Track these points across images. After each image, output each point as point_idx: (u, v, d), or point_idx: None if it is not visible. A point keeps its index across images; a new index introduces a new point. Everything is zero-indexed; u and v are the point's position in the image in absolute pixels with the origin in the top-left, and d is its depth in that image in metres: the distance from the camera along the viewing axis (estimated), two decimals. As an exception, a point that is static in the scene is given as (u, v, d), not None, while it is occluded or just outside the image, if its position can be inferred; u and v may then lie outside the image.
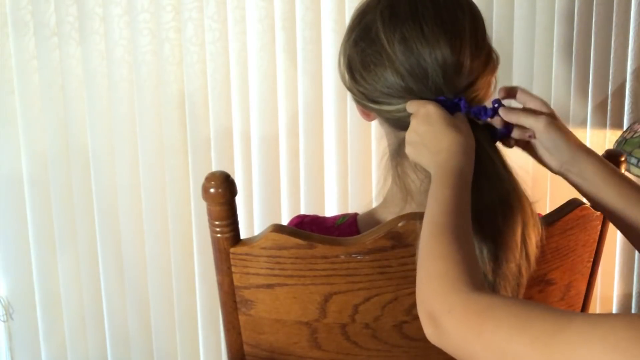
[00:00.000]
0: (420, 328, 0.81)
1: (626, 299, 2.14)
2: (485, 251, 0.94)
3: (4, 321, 1.78)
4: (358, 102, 1.06)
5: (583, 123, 1.99)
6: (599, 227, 1.11)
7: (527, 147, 1.04)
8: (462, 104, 0.98)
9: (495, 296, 0.77)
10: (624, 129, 1.96)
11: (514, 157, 1.02)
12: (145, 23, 1.65)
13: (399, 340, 1.04)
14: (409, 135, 0.99)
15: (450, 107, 0.98)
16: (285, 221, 1.72)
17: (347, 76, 1.05)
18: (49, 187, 1.72)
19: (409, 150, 0.99)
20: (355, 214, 1.13)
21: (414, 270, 0.86)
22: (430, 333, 0.80)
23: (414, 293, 0.84)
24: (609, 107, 1.99)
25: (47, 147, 1.70)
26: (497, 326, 0.73)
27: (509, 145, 1.04)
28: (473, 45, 0.99)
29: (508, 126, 1.02)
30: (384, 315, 1.02)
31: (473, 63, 0.99)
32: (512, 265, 0.95)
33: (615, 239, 2.07)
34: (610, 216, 1.01)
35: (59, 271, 1.78)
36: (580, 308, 1.15)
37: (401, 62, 0.98)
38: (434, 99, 0.98)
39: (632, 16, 1.95)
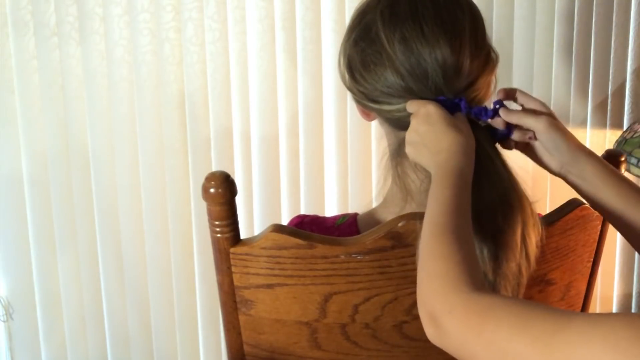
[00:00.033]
0: (420, 328, 0.81)
1: (626, 299, 2.14)
2: (485, 251, 0.94)
3: (4, 321, 1.79)
4: (358, 102, 1.06)
5: (583, 123, 1.99)
6: (599, 227, 1.11)
7: (527, 149, 1.03)
8: (462, 104, 0.98)
9: (495, 296, 0.77)
10: (624, 129, 1.96)
11: (514, 157, 1.02)
12: (145, 23, 1.65)
13: (399, 340, 1.04)
14: (409, 135, 0.99)
15: (450, 107, 0.98)
16: (285, 221, 1.72)
17: (347, 76, 1.05)
18: (49, 187, 1.72)
19: (409, 150, 0.99)
20: (355, 214, 1.13)
21: (414, 270, 0.87)
22: (431, 333, 0.80)
23: (414, 293, 0.84)
24: (609, 107, 1.99)
25: (47, 147, 1.70)
26: (498, 326, 0.73)
27: (509, 148, 1.03)
28: (473, 45, 0.99)
29: (508, 127, 1.02)
30: (384, 315, 1.02)
31: (473, 63, 0.99)
32: (513, 265, 0.95)
33: (615, 239, 2.07)
34: (609, 217, 1.01)
35: (59, 271, 1.78)
36: (580, 308, 1.15)
37: (401, 61, 0.98)
38: (434, 98, 0.98)
39: (632, 16, 1.95)
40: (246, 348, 1.07)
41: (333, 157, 1.84)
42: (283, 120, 1.79)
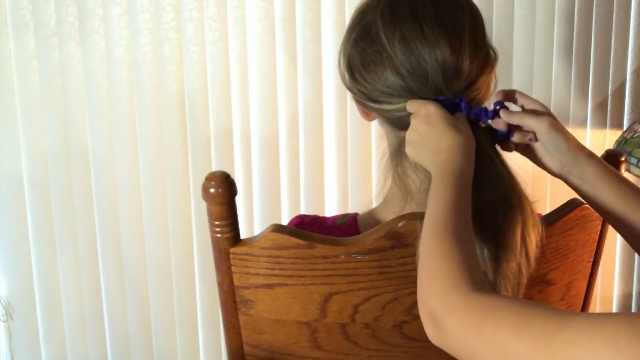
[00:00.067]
0: (420, 328, 0.81)
1: (626, 299, 2.14)
2: (485, 251, 0.94)
3: (4, 321, 1.79)
4: (358, 101, 1.06)
5: (583, 123, 1.99)
6: (599, 227, 1.11)
7: (527, 150, 1.03)
8: (462, 104, 0.98)
9: (496, 296, 0.78)
10: (624, 129, 1.96)
11: (514, 158, 1.02)
12: (145, 23, 1.65)
13: (399, 340, 1.04)
14: (409, 135, 0.99)
15: (450, 107, 0.98)
16: (285, 221, 1.72)
17: (347, 76, 1.05)
18: (49, 187, 1.72)
19: (409, 150, 0.99)
20: (355, 214, 1.13)
21: (414, 270, 0.87)
22: (431, 333, 0.80)
23: (414, 293, 0.84)
24: (609, 107, 1.99)
25: (47, 147, 1.70)
26: (498, 326, 0.73)
27: (509, 149, 1.03)
28: (473, 45, 0.99)
29: (509, 129, 1.02)
30: (384, 315, 1.02)
31: (473, 63, 0.99)
32: (513, 265, 0.95)
33: (615, 239, 2.07)
34: (610, 219, 1.01)
35: (59, 271, 1.78)
36: (580, 308, 1.15)
37: (401, 61, 0.98)
38: (435, 98, 0.98)
39: (632, 16, 1.95)
40: (246, 348, 1.07)
41: (333, 157, 1.84)
42: (283, 120, 1.79)
